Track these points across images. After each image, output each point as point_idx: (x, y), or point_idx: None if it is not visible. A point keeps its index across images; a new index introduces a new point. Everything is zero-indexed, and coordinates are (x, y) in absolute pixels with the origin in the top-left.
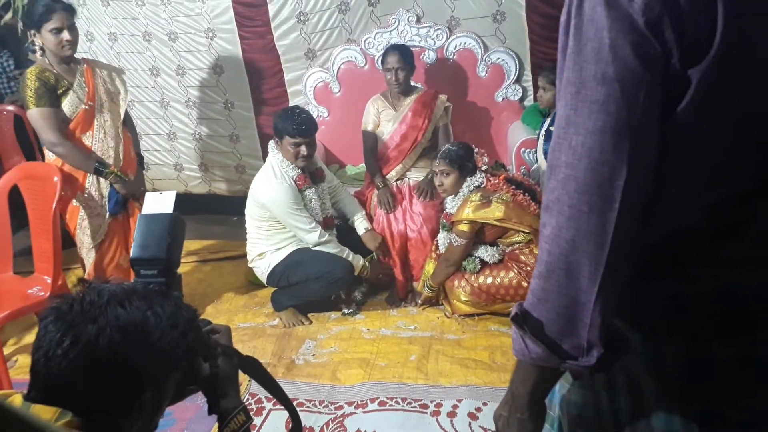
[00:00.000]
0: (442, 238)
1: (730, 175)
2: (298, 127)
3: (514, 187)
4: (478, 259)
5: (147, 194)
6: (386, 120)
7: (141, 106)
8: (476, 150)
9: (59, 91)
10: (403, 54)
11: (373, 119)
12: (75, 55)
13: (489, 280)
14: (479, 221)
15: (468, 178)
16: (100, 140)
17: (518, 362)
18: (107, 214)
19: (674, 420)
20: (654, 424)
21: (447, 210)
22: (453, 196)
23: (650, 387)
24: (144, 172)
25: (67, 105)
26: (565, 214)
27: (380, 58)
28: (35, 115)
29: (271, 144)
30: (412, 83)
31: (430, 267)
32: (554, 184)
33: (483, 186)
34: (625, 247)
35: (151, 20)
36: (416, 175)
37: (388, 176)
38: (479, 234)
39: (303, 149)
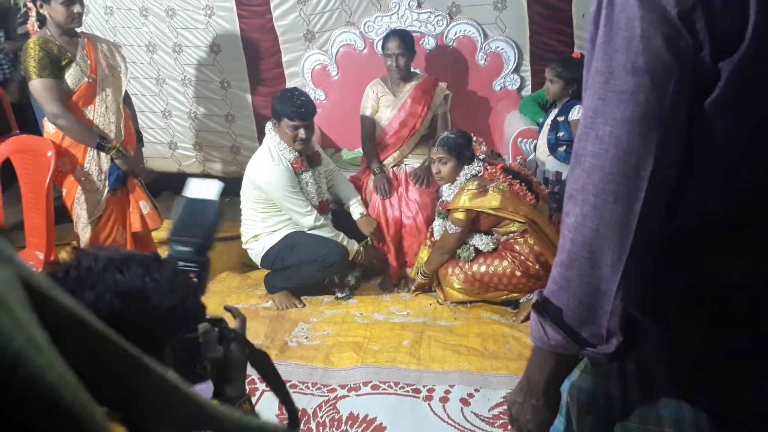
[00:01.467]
0: (438, 225)
1: (751, 168)
2: (297, 110)
3: (511, 176)
4: (472, 248)
5: (191, 179)
6: (385, 105)
7: (136, 83)
8: (474, 138)
9: (62, 63)
10: (404, 40)
11: (372, 104)
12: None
13: (483, 268)
14: (475, 210)
15: (465, 167)
16: (101, 114)
17: (535, 349)
18: (106, 189)
19: (684, 409)
20: (663, 414)
21: (443, 197)
22: (450, 183)
23: (662, 376)
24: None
25: (70, 77)
26: (590, 203)
27: (380, 42)
28: (38, 85)
29: (269, 125)
30: (412, 69)
31: (424, 254)
32: (579, 173)
33: (480, 175)
34: (648, 236)
35: None
36: (413, 162)
37: (384, 162)
38: (474, 222)
39: (301, 132)
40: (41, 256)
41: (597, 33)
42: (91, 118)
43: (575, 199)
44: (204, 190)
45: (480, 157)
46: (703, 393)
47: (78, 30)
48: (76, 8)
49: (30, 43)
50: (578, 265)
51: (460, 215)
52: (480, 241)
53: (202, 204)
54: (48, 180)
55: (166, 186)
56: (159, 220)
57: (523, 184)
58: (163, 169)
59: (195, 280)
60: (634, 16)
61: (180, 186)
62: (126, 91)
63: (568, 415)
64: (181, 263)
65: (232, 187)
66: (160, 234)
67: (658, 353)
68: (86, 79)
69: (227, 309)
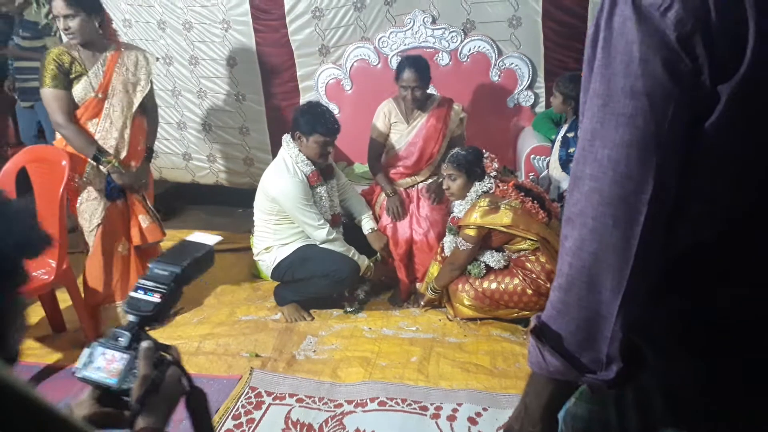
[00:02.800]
0: (448, 241)
1: (750, 193)
2: (331, 126)
3: (523, 194)
4: (483, 264)
5: (195, 233)
6: (398, 131)
7: None
8: (486, 155)
9: (72, 75)
10: (420, 71)
11: (383, 128)
12: (113, 41)
13: (493, 285)
14: (486, 226)
15: (476, 183)
16: (104, 129)
17: (533, 375)
18: (104, 199)
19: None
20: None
21: (454, 214)
22: (461, 200)
23: (660, 404)
24: (153, 160)
25: (77, 90)
26: (588, 227)
27: (395, 70)
28: (47, 94)
29: (287, 138)
30: None
31: (434, 269)
32: (578, 197)
33: (492, 191)
34: (648, 260)
35: (166, 9)
36: (425, 179)
37: (397, 182)
38: (486, 239)
39: (329, 148)
40: (54, 264)
41: (594, 56)
42: (93, 131)
43: (573, 222)
44: (203, 237)
45: (491, 174)
46: (701, 421)
47: (120, 39)
48: (61, 24)
49: (49, 52)
50: (577, 290)
51: (471, 232)
52: (491, 258)
53: (197, 245)
54: (62, 189)
55: (180, 196)
56: (160, 233)
57: (535, 201)
58: (177, 179)
59: (157, 300)
60: (633, 40)
61: (193, 198)
62: (152, 106)
63: None
64: (150, 282)
65: (244, 198)
66: (168, 244)
67: (654, 380)
68: (93, 94)
69: (160, 348)
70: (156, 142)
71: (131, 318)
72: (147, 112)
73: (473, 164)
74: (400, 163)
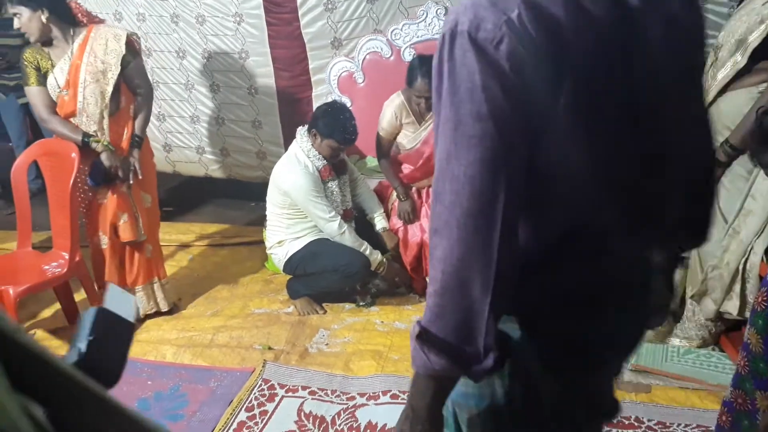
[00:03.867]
0: None
1: (587, 189)
2: (349, 136)
3: None
4: None
5: (110, 286)
6: (410, 132)
7: (166, 88)
8: None
9: (43, 72)
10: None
11: (391, 128)
12: (83, 25)
13: None
14: None
15: None
16: (82, 124)
17: (415, 377)
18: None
19: (554, 393)
20: (544, 401)
21: None
22: None
23: (535, 369)
24: (167, 154)
25: (48, 87)
26: (454, 236)
27: (408, 73)
28: (30, 92)
29: (302, 131)
30: None
31: None
32: (441, 210)
33: None
34: (508, 258)
35: (179, 2)
36: None
37: (410, 183)
38: None
39: (341, 153)
40: (67, 256)
41: (441, 84)
42: (76, 124)
43: (441, 233)
44: (121, 303)
45: None
46: (566, 377)
47: (90, 23)
48: (16, 23)
49: (26, 50)
50: (451, 293)
51: None
52: None
53: (117, 321)
54: (72, 181)
55: (193, 190)
56: (134, 235)
57: None
58: (190, 173)
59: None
60: (474, 70)
61: (206, 191)
62: (147, 94)
63: (457, 425)
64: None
65: (257, 192)
66: (182, 237)
67: (526, 350)
68: (59, 91)
69: None
70: (170, 136)
71: None
72: (137, 96)
73: None
74: (412, 163)
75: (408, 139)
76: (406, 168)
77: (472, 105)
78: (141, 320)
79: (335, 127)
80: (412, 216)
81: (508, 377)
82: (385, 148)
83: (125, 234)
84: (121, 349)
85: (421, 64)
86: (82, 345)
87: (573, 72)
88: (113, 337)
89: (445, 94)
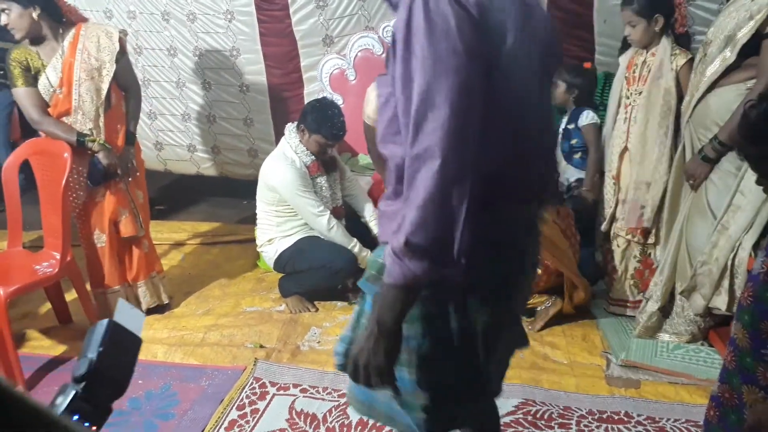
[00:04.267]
0: None
1: (519, 127)
2: (337, 132)
3: None
4: None
5: (120, 301)
6: None
7: (157, 86)
8: None
9: (33, 72)
10: None
11: (377, 113)
12: (71, 22)
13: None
14: None
15: None
16: (77, 122)
17: (384, 292)
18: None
19: (484, 313)
20: (478, 318)
21: None
22: None
23: (472, 301)
24: (158, 152)
25: (39, 87)
26: (437, 157)
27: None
28: (19, 94)
29: (291, 127)
30: None
31: None
32: (422, 138)
33: None
34: (477, 176)
35: (171, 0)
36: None
37: None
38: None
39: (329, 150)
40: (58, 256)
41: (410, 34)
42: (69, 124)
43: (422, 157)
44: (131, 318)
45: None
46: (490, 303)
47: (79, 22)
48: (3, 18)
49: (12, 51)
50: (433, 205)
51: None
52: None
53: (125, 334)
54: (64, 181)
55: (185, 188)
56: (135, 230)
57: None
58: (181, 171)
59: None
60: (449, 14)
61: (198, 189)
62: (135, 89)
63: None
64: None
65: (248, 190)
66: (176, 235)
67: (465, 285)
68: (53, 90)
69: None
70: (161, 134)
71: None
72: (126, 93)
73: None
74: None
75: None
76: None
77: (447, 43)
78: (144, 314)
79: (323, 122)
80: None
81: (443, 316)
82: (374, 136)
83: (127, 229)
84: (128, 362)
85: None
86: (93, 355)
87: (513, 27)
88: (122, 350)
89: (420, 38)
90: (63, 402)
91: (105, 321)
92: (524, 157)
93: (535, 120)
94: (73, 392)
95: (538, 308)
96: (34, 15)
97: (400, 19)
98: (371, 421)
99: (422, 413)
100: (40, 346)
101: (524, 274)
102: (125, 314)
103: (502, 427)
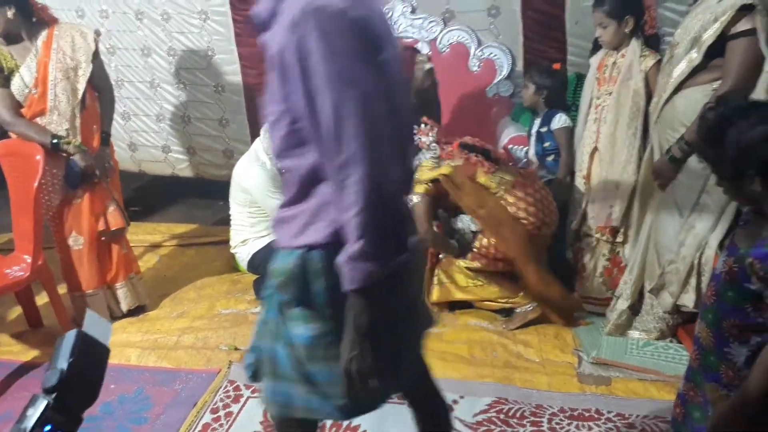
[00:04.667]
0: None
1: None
2: None
3: (467, 151)
4: (467, 229)
5: (88, 312)
6: None
7: (131, 86)
8: (423, 125)
9: (6, 72)
10: None
11: None
12: (43, 22)
13: (484, 241)
14: (428, 180)
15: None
16: (53, 122)
17: (353, 301)
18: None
19: (394, 299)
20: (392, 304)
21: None
22: None
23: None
24: (132, 153)
25: (13, 87)
26: (366, 157)
27: None
28: None
29: (266, 128)
30: None
31: None
32: (344, 147)
33: (437, 156)
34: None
35: None
36: None
37: None
38: (443, 201)
39: None
40: (29, 259)
41: (306, 55)
42: (43, 125)
43: (349, 163)
44: (99, 328)
45: (431, 138)
46: (401, 289)
47: (53, 21)
48: None
49: None
50: (375, 204)
51: (419, 188)
52: (470, 221)
53: (93, 344)
54: (36, 184)
55: (159, 189)
56: (121, 221)
57: (479, 155)
58: (156, 172)
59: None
60: (342, 30)
61: (173, 190)
62: (107, 89)
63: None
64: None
65: (224, 191)
66: (151, 237)
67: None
68: (27, 90)
69: None
70: (135, 135)
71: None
72: (100, 93)
73: None
74: None
75: None
76: None
77: (347, 58)
78: (125, 316)
79: None
80: None
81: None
82: None
83: (116, 221)
84: (98, 371)
85: None
86: (64, 366)
87: (388, 37)
88: (91, 360)
89: (319, 58)
90: (34, 413)
91: (74, 331)
92: (406, 155)
93: (408, 120)
94: (45, 403)
95: (517, 309)
96: (9, 14)
97: (287, 41)
98: (344, 423)
99: (342, 400)
100: (10, 351)
101: (417, 256)
102: (93, 324)
103: (474, 425)
